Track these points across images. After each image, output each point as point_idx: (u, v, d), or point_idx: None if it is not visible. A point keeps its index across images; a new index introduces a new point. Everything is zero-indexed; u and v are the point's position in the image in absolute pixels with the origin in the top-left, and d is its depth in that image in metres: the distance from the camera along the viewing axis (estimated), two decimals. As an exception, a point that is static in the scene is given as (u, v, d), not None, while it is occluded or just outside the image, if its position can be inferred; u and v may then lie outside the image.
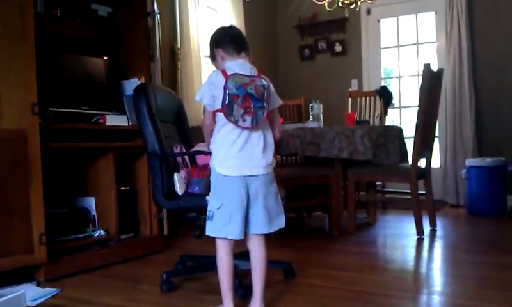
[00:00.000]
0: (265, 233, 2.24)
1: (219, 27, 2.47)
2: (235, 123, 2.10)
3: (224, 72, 2.16)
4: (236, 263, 2.71)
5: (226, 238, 2.18)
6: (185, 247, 3.77)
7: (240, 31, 2.44)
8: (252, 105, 2.08)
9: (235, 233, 2.17)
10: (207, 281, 2.80)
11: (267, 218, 2.22)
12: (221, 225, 2.17)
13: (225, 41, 2.29)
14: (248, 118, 2.09)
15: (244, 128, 2.12)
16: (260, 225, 2.21)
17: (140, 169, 3.70)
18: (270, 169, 2.22)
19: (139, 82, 3.63)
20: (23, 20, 2.85)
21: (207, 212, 2.22)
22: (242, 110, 2.08)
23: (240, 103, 2.07)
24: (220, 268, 2.22)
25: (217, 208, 2.18)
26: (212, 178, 2.24)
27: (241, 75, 2.13)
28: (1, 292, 2.54)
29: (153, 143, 2.68)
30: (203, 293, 2.67)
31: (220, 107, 2.10)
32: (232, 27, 2.46)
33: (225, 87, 2.07)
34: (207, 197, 2.26)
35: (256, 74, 2.21)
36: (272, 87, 2.23)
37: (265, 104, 2.11)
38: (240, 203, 2.16)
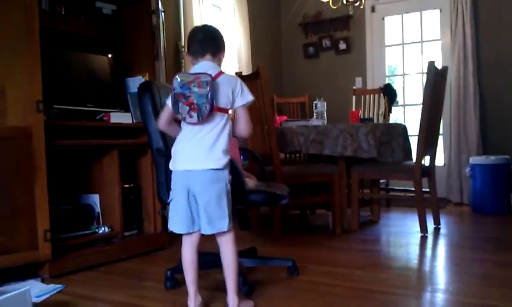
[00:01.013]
0: (205, 234, 2.24)
1: (193, 27, 2.52)
2: (183, 119, 2.19)
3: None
4: (240, 261, 2.73)
5: (183, 234, 2.27)
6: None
7: (209, 30, 2.42)
8: (195, 102, 2.14)
9: (179, 227, 2.25)
10: (211, 278, 2.81)
11: (205, 219, 2.21)
12: (171, 219, 2.28)
13: (191, 45, 2.36)
14: (194, 114, 2.15)
15: (192, 124, 2.19)
16: (202, 225, 2.23)
17: (144, 166, 3.71)
18: (212, 165, 2.20)
19: (143, 80, 3.64)
20: (28, 18, 2.86)
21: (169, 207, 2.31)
22: (188, 107, 2.15)
23: (185, 100, 2.15)
24: (183, 263, 2.30)
25: (168, 203, 2.29)
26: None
27: (186, 74, 2.22)
28: (6, 288, 2.55)
29: (158, 140, 2.68)
30: (206, 289, 2.68)
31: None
32: (200, 30, 2.44)
33: (171, 87, 2.19)
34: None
35: (214, 73, 2.21)
36: (237, 86, 2.28)
37: (208, 99, 2.13)
38: (183, 198, 2.22)
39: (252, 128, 2.38)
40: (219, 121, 2.24)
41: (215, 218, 2.21)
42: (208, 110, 2.14)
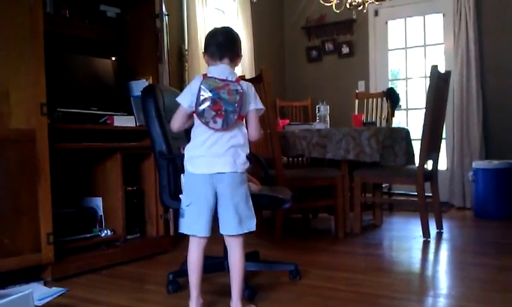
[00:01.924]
0: (233, 234, 2.26)
1: (212, 29, 2.49)
2: (206, 124, 2.19)
3: (204, 76, 2.24)
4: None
5: (195, 236, 2.27)
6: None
7: (230, 35, 2.42)
8: (224, 108, 2.16)
9: (202, 231, 2.25)
10: (213, 282, 2.81)
11: (237, 219, 2.24)
12: (191, 222, 2.26)
13: (210, 46, 2.36)
14: (219, 120, 2.17)
15: (215, 129, 2.20)
16: (228, 226, 2.25)
17: (147, 169, 3.72)
18: (240, 168, 2.25)
19: (147, 83, 3.65)
20: (32, 21, 2.88)
21: (180, 210, 2.30)
22: (214, 113, 2.16)
23: (212, 105, 2.16)
24: (189, 264, 2.31)
25: (187, 206, 2.27)
26: (184, 177, 2.34)
27: (216, 78, 2.21)
28: (9, 291, 2.57)
29: (161, 144, 2.69)
30: (209, 293, 2.68)
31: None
32: (221, 32, 2.41)
33: (199, 89, 2.17)
34: (181, 196, 2.34)
35: (234, 79, 2.24)
36: (251, 92, 2.31)
37: (236, 108, 2.17)
38: (207, 201, 2.24)
39: (261, 134, 2.42)
40: (241, 127, 2.29)
41: (245, 218, 2.26)
42: (235, 119, 2.18)
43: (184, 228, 2.29)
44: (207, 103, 2.15)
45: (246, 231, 2.27)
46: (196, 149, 2.26)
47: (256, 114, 2.34)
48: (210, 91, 2.15)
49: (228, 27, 2.52)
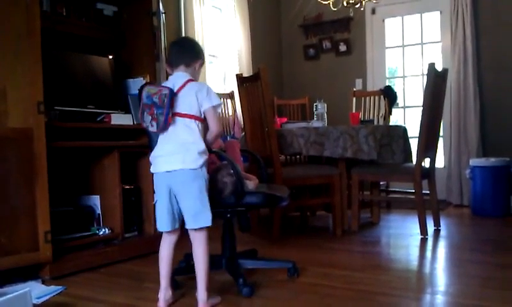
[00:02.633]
0: (190, 228, 2.41)
1: (170, 42, 2.73)
2: (147, 128, 2.42)
3: (145, 85, 2.53)
4: (241, 262, 2.74)
5: (163, 231, 2.46)
6: (188, 246, 3.77)
7: (182, 43, 2.73)
8: (155, 112, 2.36)
9: (164, 226, 2.43)
10: (212, 279, 2.80)
11: (191, 214, 2.39)
12: (158, 219, 2.46)
13: (168, 58, 2.61)
14: (154, 123, 2.37)
15: (153, 132, 2.42)
16: (186, 221, 2.41)
17: (144, 167, 3.70)
18: (190, 165, 2.36)
19: (144, 81, 3.65)
20: (29, 19, 2.87)
21: None
22: (150, 117, 2.38)
23: (148, 110, 2.38)
24: (159, 258, 2.48)
25: (154, 204, 2.48)
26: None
27: (153, 86, 2.46)
28: (6, 290, 2.56)
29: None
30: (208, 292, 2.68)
31: None
32: (174, 42, 2.71)
33: (140, 97, 2.44)
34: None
35: (182, 83, 2.44)
36: (204, 91, 2.44)
37: (163, 111, 2.34)
38: (164, 197, 2.40)
39: (221, 128, 2.64)
40: (189, 125, 2.41)
41: (199, 213, 2.38)
42: (163, 122, 2.35)
43: (157, 225, 2.48)
44: (146, 109, 2.38)
45: (201, 226, 2.39)
46: (156, 150, 2.45)
47: (213, 111, 2.46)
48: (147, 98, 2.38)
49: (182, 37, 2.73)
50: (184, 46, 2.63)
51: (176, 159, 2.36)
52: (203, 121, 2.45)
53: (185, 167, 2.35)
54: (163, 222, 2.43)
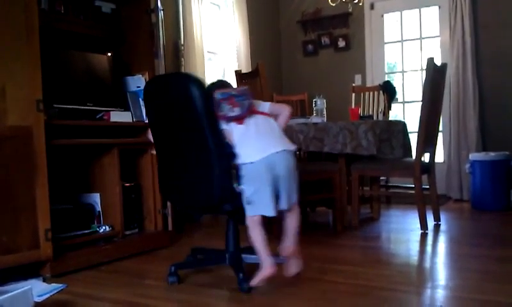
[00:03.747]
0: (291, 204, 2.60)
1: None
2: (225, 115, 2.50)
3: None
4: (243, 257, 2.75)
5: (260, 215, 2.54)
6: (189, 242, 3.78)
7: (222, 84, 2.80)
8: (235, 100, 2.49)
9: (270, 211, 2.51)
10: (215, 274, 2.82)
11: (289, 193, 2.55)
12: (259, 205, 2.51)
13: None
14: (236, 108, 2.49)
15: (235, 115, 2.51)
16: (285, 200, 2.56)
17: (144, 165, 3.72)
18: (290, 147, 2.58)
19: (143, 79, 3.65)
20: (27, 17, 2.87)
21: (245, 198, 2.52)
22: (230, 105, 2.49)
23: (227, 101, 2.50)
24: (257, 242, 2.56)
25: (249, 195, 2.51)
26: (243, 172, 2.54)
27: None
28: (8, 288, 2.56)
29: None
30: (210, 287, 2.69)
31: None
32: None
33: (209, 102, 2.52)
34: (241, 186, 2.55)
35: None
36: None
37: (246, 97, 2.53)
38: (269, 183, 2.49)
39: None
40: (267, 119, 2.63)
41: (293, 192, 2.58)
42: (247, 106, 2.51)
43: (254, 211, 2.53)
44: (224, 102, 2.49)
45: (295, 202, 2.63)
46: (247, 144, 2.54)
47: (273, 104, 2.77)
48: (221, 94, 2.50)
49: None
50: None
51: (277, 142, 2.53)
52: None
53: (288, 148, 2.55)
54: (270, 207, 2.50)
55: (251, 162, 2.48)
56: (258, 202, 2.50)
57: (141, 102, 3.66)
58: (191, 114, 2.53)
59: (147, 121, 2.98)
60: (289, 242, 2.66)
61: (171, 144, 2.74)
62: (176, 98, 2.61)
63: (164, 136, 2.77)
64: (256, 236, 2.55)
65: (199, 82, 2.55)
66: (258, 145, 2.51)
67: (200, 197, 2.67)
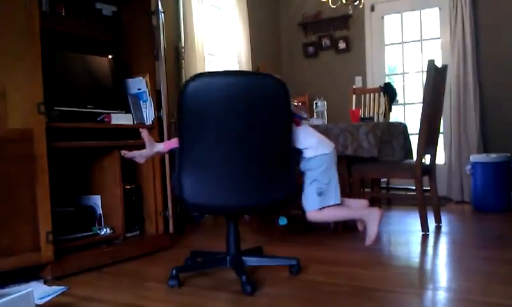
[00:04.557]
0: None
1: None
2: (304, 119, 3.01)
3: None
4: (245, 260, 2.74)
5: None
6: (191, 244, 3.78)
7: None
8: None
9: (339, 198, 2.93)
10: (216, 277, 2.81)
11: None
12: (338, 192, 2.91)
13: None
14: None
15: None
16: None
17: (145, 167, 3.71)
18: None
19: (143, 81, 3.65)
20: (28, 20, 2.87)
21: (317, 190, 2.87)
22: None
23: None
24: (341, 212, 3.04)
25: (326, 183, 2.88)
26: (315, 164, 2.86)
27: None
28: (9, 290, 2.56)
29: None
30: (211, 289, 2.68)
31: None
32: None
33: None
34: (316, 177, 2.86)
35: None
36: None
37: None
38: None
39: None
40: None
41: None
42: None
43: (336, 200, 2.92)
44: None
45: None
46: (317, 137, 2.95)
47: None
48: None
49: None
50: None
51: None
52: None
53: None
54: (339, 195, 2.91)
55: (326, 153, 2.83)
56: (329, 192, 2.84)
57: (142, 104, 3.67)
58: (275, 113, 2.67)
59: (181, 123, 2.66)
60: (359, 202, 3.13)
61: (232, 145, 2.62)
62: (260, 99, 2.66)
63: (220, 138, 2.62)
64: (335, 211, 2.92)
65: (284, 83, 2.71)
66: (324, 139, 2.93)
67: (276, 195, 2.72)
